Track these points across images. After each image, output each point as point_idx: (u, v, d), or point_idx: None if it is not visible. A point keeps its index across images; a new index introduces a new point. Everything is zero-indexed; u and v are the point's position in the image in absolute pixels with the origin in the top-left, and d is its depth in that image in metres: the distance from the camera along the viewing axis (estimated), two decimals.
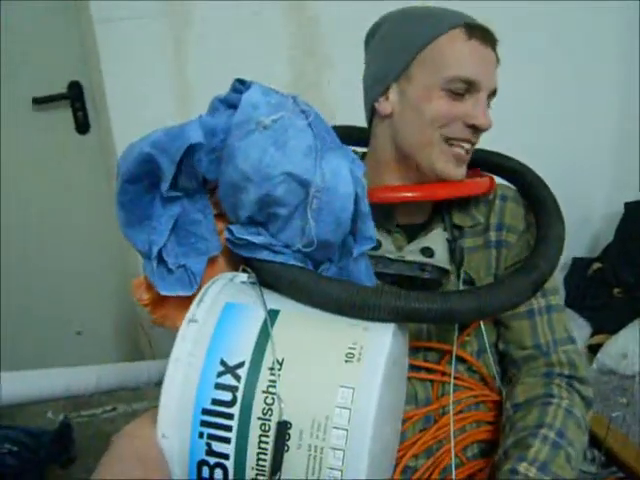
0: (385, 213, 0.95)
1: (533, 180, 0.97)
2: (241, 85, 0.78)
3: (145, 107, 1.68)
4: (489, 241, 0.96)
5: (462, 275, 0.92)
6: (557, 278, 2.05)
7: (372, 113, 0.97)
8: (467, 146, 0.91)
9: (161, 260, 0.77)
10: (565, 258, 2.23)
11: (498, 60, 0.93)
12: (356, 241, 0.76)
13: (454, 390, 0.89)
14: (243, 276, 0.78)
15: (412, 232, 0.94)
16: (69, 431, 1.69)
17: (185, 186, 0.77)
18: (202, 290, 0.73)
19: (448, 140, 0.90)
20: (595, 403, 1.52)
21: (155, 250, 0.77)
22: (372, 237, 0.76)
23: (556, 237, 0.87)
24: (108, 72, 1.67)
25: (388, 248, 0.89)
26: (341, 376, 0.65)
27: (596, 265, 2.12)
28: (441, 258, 0.88)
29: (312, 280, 0.73)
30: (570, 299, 2.06)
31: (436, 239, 0.91)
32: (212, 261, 0.79)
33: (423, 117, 0.89)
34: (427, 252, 0.88)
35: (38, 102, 1.79)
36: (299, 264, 0.75)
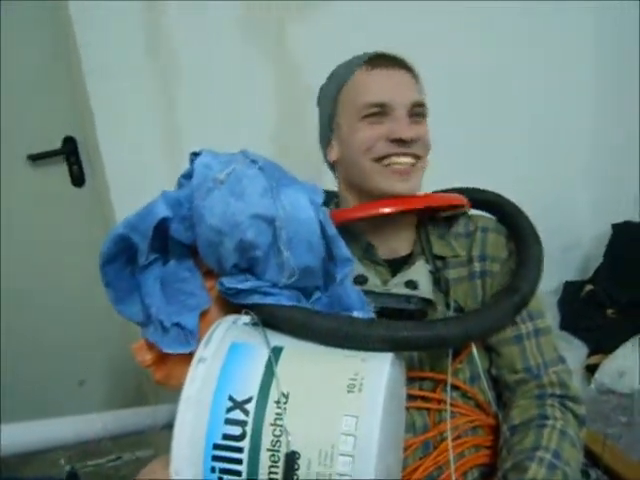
0: (368, 248, 1.01)
1: (509, 208, 1.04)
2: (196, 156, 0.86)
3: (138, 158, 1.73)
4: (473, 272, 1.01)
5: (452, 304, 0.96)
6: (543, 301, 2.07)
7: (330, 164, 1.09)
8: (405, 160, 0.97)
9: (160, 322, 0.83)
10: (557, 282, 2.27)
11: (413, 75, 1.03)
12: (336, 265, 0.82)
13: (451, 417, 0.91)
14: (246, 318, 0.82)
15: (396, 266, 0.99)
16: None
17: (169, 252, 0.85)
18: (208, 332, 0.77)
19: (378, 160, 0.97)
20: (595, 423, 1.55)
21: (153, 311, 0.83)
22: (349, 257, 0.82)
23: (534, 259, 0.93)
24: (101, 125, 1.72)
25: (374, 282, 0.93)
26: (345, 406, 0.68)
27: (588, 287, 2.15)
28: (425, 289, 0.92)
29: (306, 316, 0.79)
30: (565, 322, 2.09)
31: (419, 271, 0.95)
32: (205, 314, 0.85)
33: (353, 149, 0.99)
34: (411, 285, 0.92)
35: (34, 158, 1.84)
36: (290, 301, 0.80)
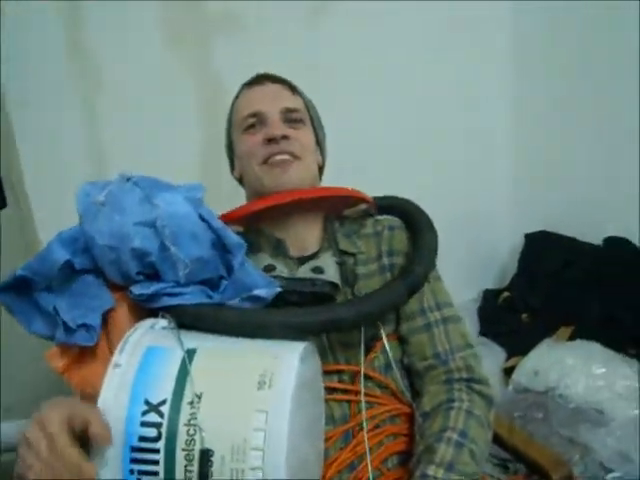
0: (277, 244, 1.06)
1: (407, 207, 1.13)
2: None
3: (62, 178, 1.71)
4: (383, 266, 1.06)
5: (357, 293, 1.01)
6: (470, 313, 2.19)
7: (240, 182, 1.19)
8: (281, 157, 1.05)
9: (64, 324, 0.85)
10: (477, 291, 2.37)
11: (289, 86, 1.14)
12: (231, 253, 0.87)
13: (369, 407, 0.96)
14: (163, 322, 0.85)
15: (304, 261, 1.03)
16: None
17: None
18: (124, 338, 0.79)
19: (264, 162, 1.05)
20: (514, 419, 1.62)
21: (60, 315, 0.85)
22: (239, 243, 0.88)
23: (428, 245, 1.02)
24: (23, 147, 1.70)
25: (281, 269, 0.97)
26: (255, 402, 0.71)
27: (505, 294, 2.26)
28: (331, 274, 0.97)
29: (211, 311, 0.84)
30: (484, 328, 2.18)
31: (326, 261, 1.00)
32: (115, 318, 0.88)
33: (243, 160, 1.10)
34: (317, 270, 0.97)
35: None
36: (197, 297, 0.85)
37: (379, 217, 1.14)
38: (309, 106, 1.15)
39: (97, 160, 1.77)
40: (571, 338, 1.94)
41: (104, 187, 0.87)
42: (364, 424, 0.93)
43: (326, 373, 0.95)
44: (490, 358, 1.97)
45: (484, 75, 2.27)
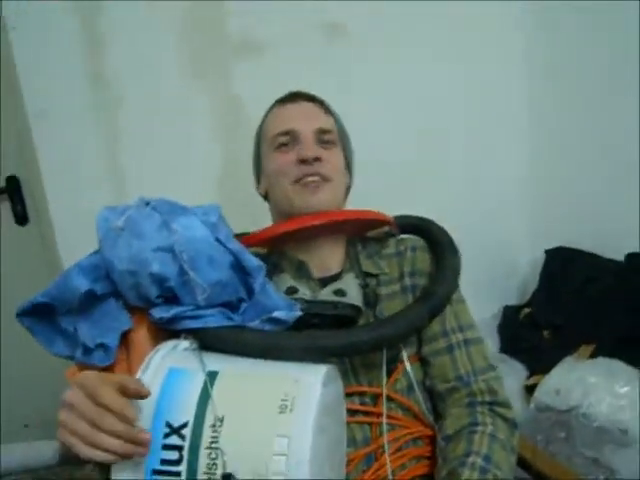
0: (300, 266, 1.06)
1: (430, 227, 1.12)
2: None
3: (82, 196, 1.74)
4: (405, 287, 1.06)
5: (378, 315, 1.01)
6: (490, 329, 2.17)
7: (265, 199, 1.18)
8: (312, 178, 1.04)
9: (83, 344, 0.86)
10: (497, 307, 2.35)
11: (323, 106, 1.13)
12: (251, 276, 0.87)
13: (391, 429, 0.95)
14: (185, 343, 0.85)
15: (327, 282, 1.02)
16: None
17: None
18: (146, 359, 0.79)
19: (295, 182, 1.04)
20: (536, 439, 1.59)
21: (80, 335, 0.87)
22: (260, 265, 0.88)
23: (450, 266, 1.01)
24: (45, 164, 1.72)
25: (304, 292, 0.97)
26: (276, 427, 0.71)
27: (526, 310, 2.23)
28: (353, 296, 0.96)
29: (232, 334, 0.85)
30: (505, 345, 2.15)
31: (348, 283, 0.99)
32: (133, 335, 0.88)
33: (272, 178, 1.08)
34: (339, 293, 0.96)
35: None
36: (217, 319, 0.85)
37: (402, 237, 1.14)
38: (340, 126, 1.15)
39: (116, 179, 1.79)
40: (592, 356, 1.91)
41: (123, 212, 0.88)
42: (386, 447, 0.92)
43: (347, 395, 0.94)
44: (511, 376, 1.94)
45: (500, 85, 2.25)
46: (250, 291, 0.88)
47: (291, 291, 0.96)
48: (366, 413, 0.98)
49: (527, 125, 2.32)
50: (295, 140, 1.07)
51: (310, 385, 0.74)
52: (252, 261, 0.88)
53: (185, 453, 0.70)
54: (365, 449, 0.95)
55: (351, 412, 0.96)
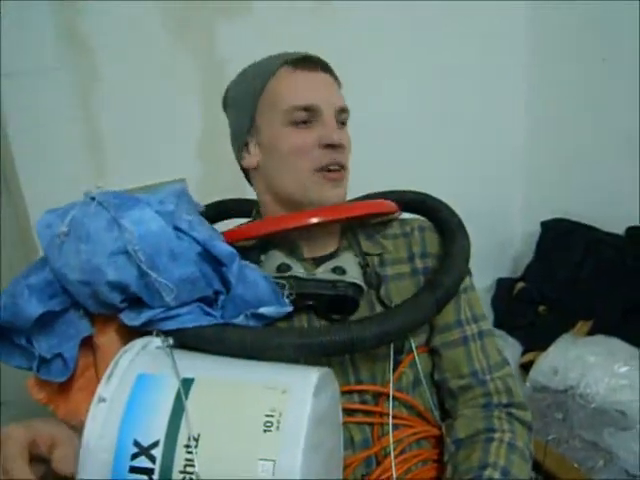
0: (293, 248, 0.92)
1: (434, 204, 0.99)
2: None
3: (56, 163, 1.61)
4: (416, 269, 0.94)
5: (382, 297, 0.89)
6: (483, 303, 2.08)
7: (245, 170, 0.98)
8: (335, 167, 0.89)
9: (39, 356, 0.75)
10: (490, 280, 2.26)
11: (336, 80, 0.95)
12: (225, 265, 0.75)
13: (394, 429, 0.84)
14: (157, 341, 0.73)
15: (321, 261, 0.90)
16: None
17: None
18: (111, 364, 0.68)
19: (316, 171, 0.88)
20: (533, 420, 1.51)
21: (35, 347, 0.76)
22: (232, 252, 0.75)
23: (459, 252, 0.89)
24: (14, 129, 1.58)
25: (298, 270, 0.85)
26: (260, 448, 0.59)
27: (520, 284, 2.14)
28: (353, 275, 0.85)
29: (215, 332, 0.73)
30: (498, 319, 2.07)
31: (347, 260, 0.87)
32: (101, 339, 0.78)
33: (284, 158, 0.89)
34: (338, 270, 0.85)
35: None
36: (193, 317, 0.74)
37: (404, 218, 1.01)
38: None
39: (92, 144, 1.66)
40: (590, 333, 1.83)
41: (66, 214, 0.75)
42: (391, 449, 0.82)
43: (345, 393, 0.84)
44: (505, 352, 1.86)
45: (500, 61, 2.16)
46: (226, 282, 0.76)
47: (283, 269, 0.84)
48: (367, 412, 0.87)
49: (528, 93, 2.23)
50: (316, 118, 0.89)
51: (300, 397, 0.62)
52: (223, 248, 0.74)
53: (155, 477, 0.60)
54: (365, 452, 0.85)
55: (349, 411, 0.85)
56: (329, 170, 0.89)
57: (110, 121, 1.67)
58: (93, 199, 0.75)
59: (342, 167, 0.90)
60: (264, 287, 0.78)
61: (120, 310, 0.75)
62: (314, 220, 0.86)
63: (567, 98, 2.12)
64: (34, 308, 0.73)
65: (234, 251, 0.75)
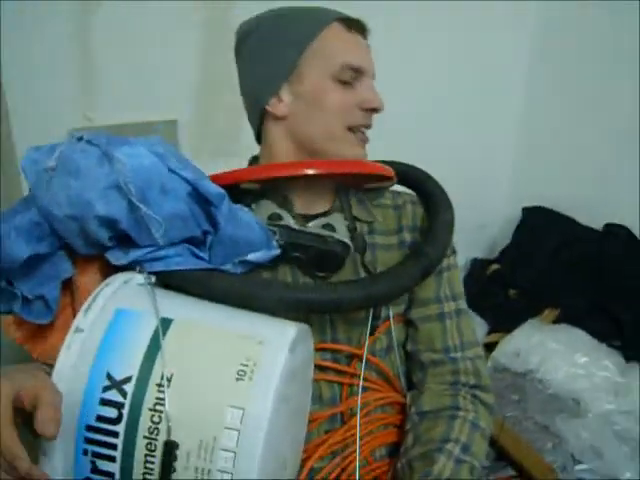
0: (284, 202, 0.91)
1: (418, 175, 0.99)
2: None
3: (45, 92, 1.57)
4: (403, 241, 0.94)
5: (367, 263, 0.89)
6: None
7: (261, 117, 0.94)
8: (366, 130, 0.92)
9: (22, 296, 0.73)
10: (465, 259, 2.28)
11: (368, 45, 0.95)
12: (214, 205, 0.74)
13: (363, 391, 0.85)
14: (139, 277, 0.73)
15: (312, 219, 0.90)
16: None
17: None
18: (91, 295, 0.67)
19: (351, 129, 0.89)
20: (505, 418, 1.55)
21: (16, 286, 0.74)
22: (221, 193, 0.74)
23: (444, 223, 0.89)
24: (6, 59, 1.54)
25: (289, 221, 0.85)
26: (231, 395, 0.59)
27: (494, 267, 2.16)
28: (343, 234, 0.86)
29: (201, 276, 0.73)
30: (469, 298, 2.08)
31: (337, 221, 0.88)
32: (80, 278, 0.76)
33: (323, 111, 0.88)
34: (329, 227, 0.85)
35: None
36: (181, 258, 0.74)
37: (397, 189, 1.00)
38: None
39: (84, 69, 1.62)
40: (556, 321, 1.86)
41: (53, 150, 0.72)
42: (358, 408, 0.83)
43: (320, 350, 0.84)
44: None
45: (498, 42, 2.14)
46: (214, 223, 0.75)
47: (274, 217, 0.84)
48: (338, 372, 0.87)
49: (523, 77, 2.23)
50: (359, 80, 0.90)
51: (275, 350, 0.62)
52: (212, 188, 0.73)
53: (125, 412, 0.59)
54: (332, 409, 0.86)
55: (321, 368, 0.85)
56: (361, 132, 0.91)
57: (107, 56, 1.63)
58: (80, 139, 0.72)
59: (368, 128, 0.92)
60: (255, 228, 0.77)
61: (106, 249, 0.74)
62: (310, 171, 0.85)
63: (565, 88, 2.12)
64: (21, 250, 0.71)
65: (223, 191, 0.74)
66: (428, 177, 0.98)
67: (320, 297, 0.73)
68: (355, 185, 0.97)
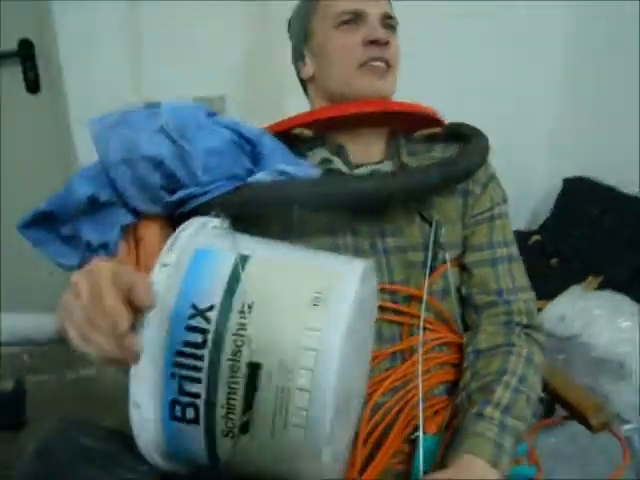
0: (339, 150, 0.96)
1: (467, 128, 1.04)
2: None
3: (99, 66, 1.63)
4: (455, 190, 0.97)
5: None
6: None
7: (304, 85, 1.04)
8: (379, 63, 0.95)
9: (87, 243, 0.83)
10: None
11: None
12: (255, 143, 0.84)
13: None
14: (215, 221, 0.77)
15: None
16: (23, 395, 1.64)
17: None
18: (173, 236, 0.71)
19: (361, 65, 0.93)
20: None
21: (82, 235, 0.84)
22: (260, 130, 0.85)
23: (476, 146, 0.95)
24: (62, 30, 1.60)
25: (339, 165, 0.92)
26: (308, 319, 0.63)
27: (535, 237, 2.17)
28: None
29: (249, 191, 0.82)
30: None
31: (385, 167, 0.94)
32: (143, 234, 0.85)
33: (332, 59, 0.95)
34: (377, 173, 0.92)
35: None
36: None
37: (448, 144, 1.03)
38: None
39: (134, 50, 1.68)
40: (599, 288, 1.87)
41: (112, 114, 0.85)
42: (419, 347, 0.87)
43: (380, 290, 0.88)
44: None
45: (536, 14, 2.11)
46: (257, 159, 0.83)
47: (325, 161, 0.90)
48: (398, 312, 0.92)
49: (563, 47, 2.20)
50: (361, 22, 0.94)
51: (347, 281, 0.67)
52: (251, 127, 0.83)
53: (210, 337, 0.64)
54: (393, 347, 0.90)
55: (381, 308, 0.89)
56: (374, 65, 0.94)
57: (152, 27, 1.68)
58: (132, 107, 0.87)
59: (386, 63, 0.95)
60: (300, 160, 0.89)
61: (160, 201, 0.82)
62: (352, 110, 0.92)
63: (606, 56, 2.10)
64: (84, 189, 0.80)
65: (262, 129, 0.83)
66: (470, 126, 1.03)
67: (343, 190, 0.83)
68: (406, 132, 1.01)
